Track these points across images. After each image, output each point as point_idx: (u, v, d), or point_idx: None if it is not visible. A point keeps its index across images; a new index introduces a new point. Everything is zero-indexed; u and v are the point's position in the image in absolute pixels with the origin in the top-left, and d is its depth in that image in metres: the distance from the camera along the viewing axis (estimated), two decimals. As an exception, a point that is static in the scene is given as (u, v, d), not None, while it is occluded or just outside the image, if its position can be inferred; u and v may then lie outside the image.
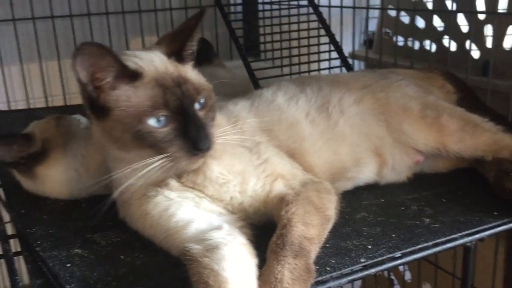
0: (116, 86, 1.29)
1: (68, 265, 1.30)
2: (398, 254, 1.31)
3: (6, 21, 2.67)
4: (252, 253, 1.22)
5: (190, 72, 1.41)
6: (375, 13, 3.09)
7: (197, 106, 1.33)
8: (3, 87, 2.76)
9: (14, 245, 1.45)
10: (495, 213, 1.49)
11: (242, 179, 1.39)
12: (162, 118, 1.28)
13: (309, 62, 2.42)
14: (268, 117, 1.60)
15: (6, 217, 1.59)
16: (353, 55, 2.99)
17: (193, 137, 1.28)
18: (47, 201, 1.67)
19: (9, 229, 1.52)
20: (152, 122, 1.27)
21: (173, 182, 1.37)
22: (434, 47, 2.59)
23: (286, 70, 2.44)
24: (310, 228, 1.27)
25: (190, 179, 1.38)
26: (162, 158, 1.27)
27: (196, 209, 1.35)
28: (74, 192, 1.66)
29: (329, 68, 2.47)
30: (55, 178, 1.64)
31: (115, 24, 2.92)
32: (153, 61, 1.36)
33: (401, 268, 2.82)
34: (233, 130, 1.43)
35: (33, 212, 1.60)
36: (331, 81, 1.81)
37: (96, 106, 1.31)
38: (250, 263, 1.18)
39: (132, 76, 1.30)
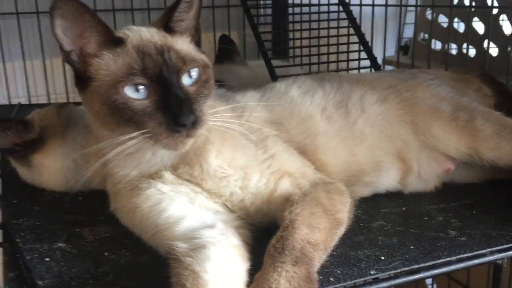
0: (99, 53, 1.17)
1: (47, 259, 1.20)
2: (414, 267, 1.15)
3: (30, 14, 2.63)
4: (244, 257, 1.08)
5: (179, 42, 1.25)
6: (411, 19, 2.92)
7: (186, 79, 1.19)
8: (24, 81, 2.71)
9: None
10: (533, 229, 1.31)
11: (244, 174, 1.26)
12: (141, 88, 1.13)
13: (337, 61, 2.30)
14: (278, 110, 1.46)
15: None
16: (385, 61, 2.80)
17: (173, 110, 1.11)
18: (43, 193, 1.58)
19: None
20: (129, 91, 1.13)
21: (167, 174, 1.24)
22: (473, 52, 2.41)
23: (314, 70, 2.32)
24: (316, 232, 1.12)
25: (187, 171, 1.24)
26: (140, 134, 1.11)
27: (190, 205, 1.22)
28: (70, 184, 1.55)
29: (359, 68, 2.34)
30: (51, 168, 1.55)
31: (140, 20, 2.84)
32: (140, 31, 1.24)
33: (428, 281, 2.60)
34: (237, 120, 1.27)
35: (25, 202, 1.51)
36: (354, 80, 1.66)
37: (81, 78, 1.19)
38: (240, 267, 1.05)
39: (115, 42, 1.18)
